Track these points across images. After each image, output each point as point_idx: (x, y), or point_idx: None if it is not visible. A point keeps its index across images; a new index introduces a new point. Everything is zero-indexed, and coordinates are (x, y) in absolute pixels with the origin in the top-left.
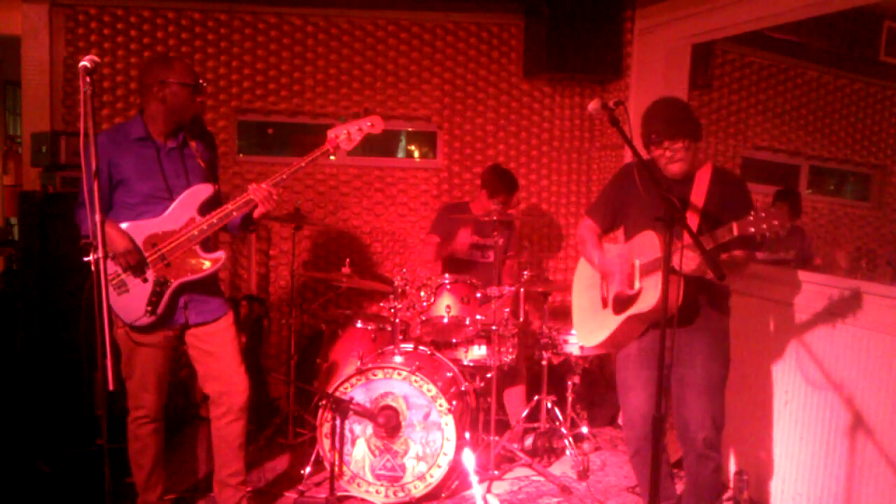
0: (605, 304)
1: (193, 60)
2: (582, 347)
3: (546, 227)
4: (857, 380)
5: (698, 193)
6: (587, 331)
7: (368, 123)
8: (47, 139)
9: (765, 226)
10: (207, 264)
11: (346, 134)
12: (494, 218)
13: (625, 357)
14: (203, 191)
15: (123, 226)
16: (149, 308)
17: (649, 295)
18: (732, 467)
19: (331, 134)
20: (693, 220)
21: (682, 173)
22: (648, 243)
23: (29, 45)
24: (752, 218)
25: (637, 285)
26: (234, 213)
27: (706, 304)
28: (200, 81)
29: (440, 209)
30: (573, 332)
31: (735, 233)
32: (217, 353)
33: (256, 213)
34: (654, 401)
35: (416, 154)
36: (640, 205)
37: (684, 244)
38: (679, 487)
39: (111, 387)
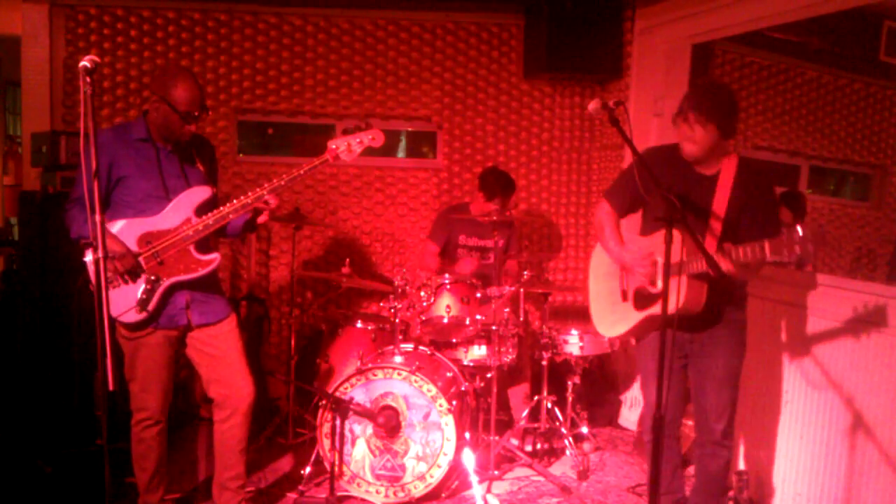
0: (625, 297)
1: (193, 61)
2: (582, 347)
3: (546, 227)
4: (857, 379)
5: (722, 193)
6: (607, 322)
7: (370, 137)
8: (47, 139)
9: (798, 248)
10: (201, 265)
11: (346, 146)
12: (494, 218)
13: (645, 345)
14: (201, 192)
15: (119, 224)
16: (139, 305)
17: (671, 298)
18: (735, 466)
19: (331, 145)
20: (714, 222)
21: (692, 157)
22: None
23: (29, 45)
24: (784, 239)
25: (660, 284)
26: (231, 216)
27: (726, 304)
28: (202, 110)
29: (439, 213)
30: (573, 331)
31: (767, 253)
32: (221, 356)
33: (260, 220)
34: (674, 390)
35: (417, 154)
36: (652, 196)
37: (727, 248)
38: (688, 489)
39: (111, 387)
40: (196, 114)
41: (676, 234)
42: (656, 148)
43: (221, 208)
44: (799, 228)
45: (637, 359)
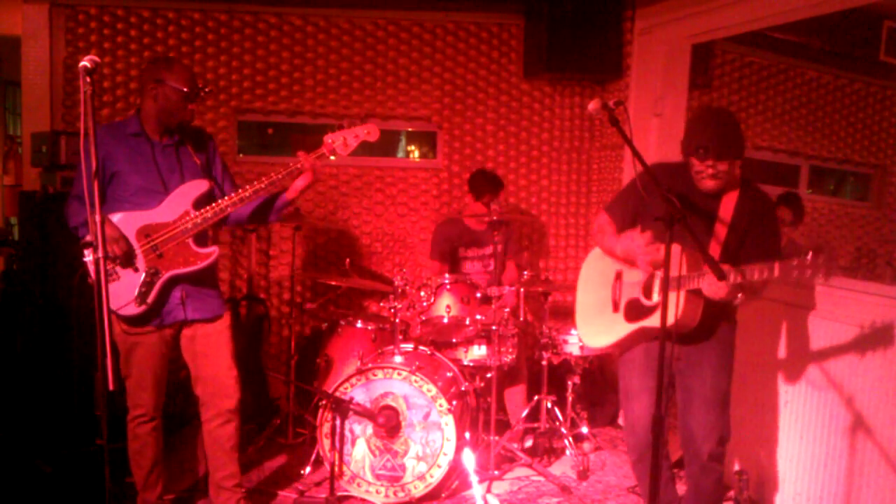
0: (615, 308)
1: (193, 60)
2: (582, 347)
3: (545, 227)
4: (857, 379)
5: (726, 207)
6: (592, 331)
7: (365, 131)
8: (47, 139)
9: (809, 272)
10: (200, 258)
11: (342, 140)
12: (494, 217)
13: (629, 362)
14: (198, 186)
15: (117, 216)
16: (138, 298)
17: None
18: (735, 466)
19: (327, 139)
20: (718, 234)
21: (716, 190)
22: (672, 257)
23: (29, 45)
24: (795, 263)
25: (655, 298)
26: (229, 209)
27: (719, 320)
28: (202, 87)
29: (435, 229)
30: (573, 331)
31: (776, 274)
32: (210, 355)
33: (303, 184)
34: (659, 404)
35: (416, 154)
36: (651, 202)
37: (712, 266)
38: (680, 489)
39: (111, 387)
40: (199, 88)
41: (677, 247)
42: (661, 164)
43: (220, 201)
44: (811, 254)
45: (619, 377)
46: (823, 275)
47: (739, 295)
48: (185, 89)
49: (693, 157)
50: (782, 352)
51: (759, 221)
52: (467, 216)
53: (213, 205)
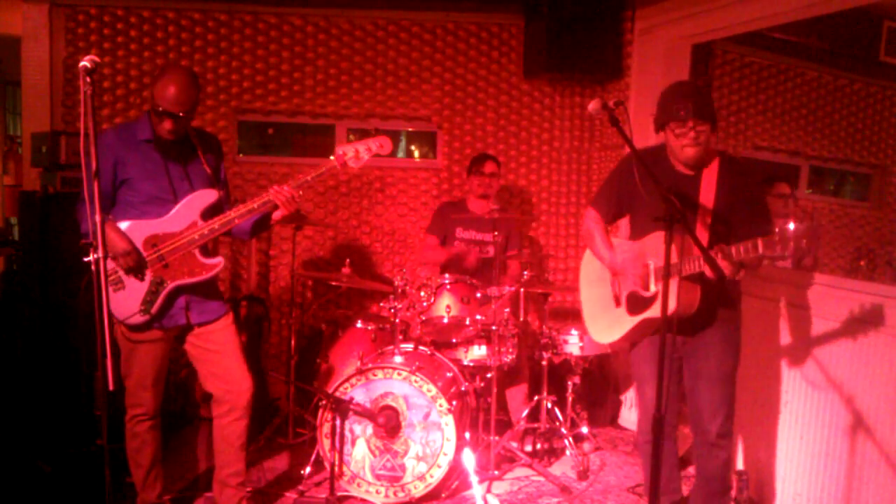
0: (618, 303)
1: (193, 60)
2: (582, 348)
3: (545, 226)
4: (857, 379)
5: (707, 189)
6: (599, 327)
7: (377, 144)
8: (47, 139)
9: (791, 244)
10: (205, 269)
11: (353, 152)
12: (494, 207)
13: (639, 349)
14: (207, 196)
15: (124, 225)
16: (143, 307)
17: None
18: (735, 466)
19: (338, 151)
20: (704, 218)
21: (697, 159)
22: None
23: (29, 46)
24: (777, 238)
25: (653, 288)
26: (236, 221)
27: (720, 304)
28: (180, 111)
29: (437, 208)
30: (573, 331)
31: (760, 251)
32: (221, 351)
33: (278, 216)
34: (666, 395)
35: (416, 154)
36: (646, 197)
37: (705, 251)
38: (686, 489)
39: (111, 387)
40: (176, 113)
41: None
42: (641, 150)
43: (228, 212)
44: (791, 224)
45: (631, 364)
46: (806, 243)
47: (741, 272)
48: (161, 109)
49: (673, 121)
50: (782, 352)
51: (744, 195)
52: (472, 209)
53: (221, 216)
